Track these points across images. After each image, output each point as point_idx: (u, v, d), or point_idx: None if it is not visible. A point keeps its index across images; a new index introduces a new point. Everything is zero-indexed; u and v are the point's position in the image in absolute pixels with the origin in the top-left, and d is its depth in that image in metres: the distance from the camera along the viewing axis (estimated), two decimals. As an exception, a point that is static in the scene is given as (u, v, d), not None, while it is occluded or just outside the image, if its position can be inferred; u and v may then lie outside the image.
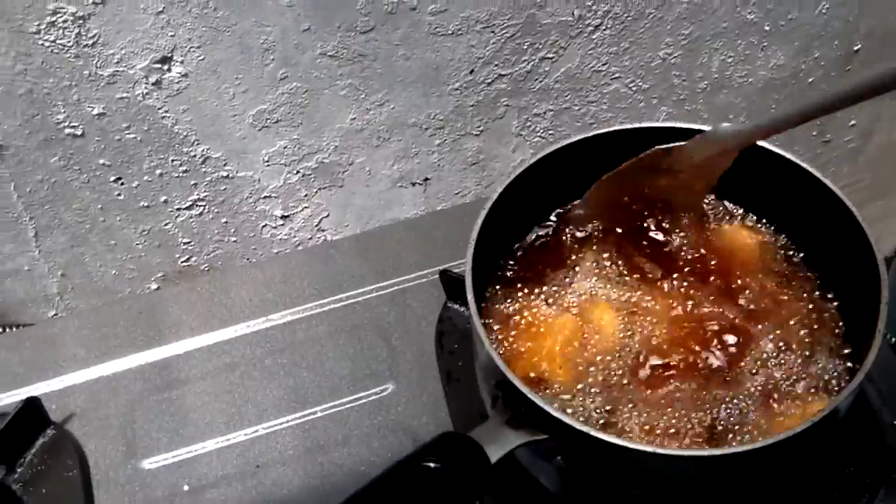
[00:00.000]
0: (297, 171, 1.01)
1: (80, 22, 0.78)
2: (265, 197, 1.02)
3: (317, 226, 1.10)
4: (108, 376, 0.68)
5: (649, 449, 0.41)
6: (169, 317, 0.71)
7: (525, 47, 0.98)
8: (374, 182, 1.07)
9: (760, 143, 0.57)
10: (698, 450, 0.41)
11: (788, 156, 0.56)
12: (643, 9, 0.99)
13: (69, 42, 0.79)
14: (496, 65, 0.99)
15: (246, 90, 0.90)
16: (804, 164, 0.55)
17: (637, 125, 0.60)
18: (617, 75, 1.07)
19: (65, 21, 0.78)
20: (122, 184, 0.94)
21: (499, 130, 1.07)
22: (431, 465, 0.41)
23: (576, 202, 0.61)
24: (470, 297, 0.50)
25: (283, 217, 1.06)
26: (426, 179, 1.11)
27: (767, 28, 1.06)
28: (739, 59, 1.09)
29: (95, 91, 0.84)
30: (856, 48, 1.13)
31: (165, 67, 0.85)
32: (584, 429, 0.42)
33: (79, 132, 0.87)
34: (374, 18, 0.89)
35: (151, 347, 0.69)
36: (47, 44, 0.79)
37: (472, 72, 0.99)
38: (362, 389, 0.65)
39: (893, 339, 0.72)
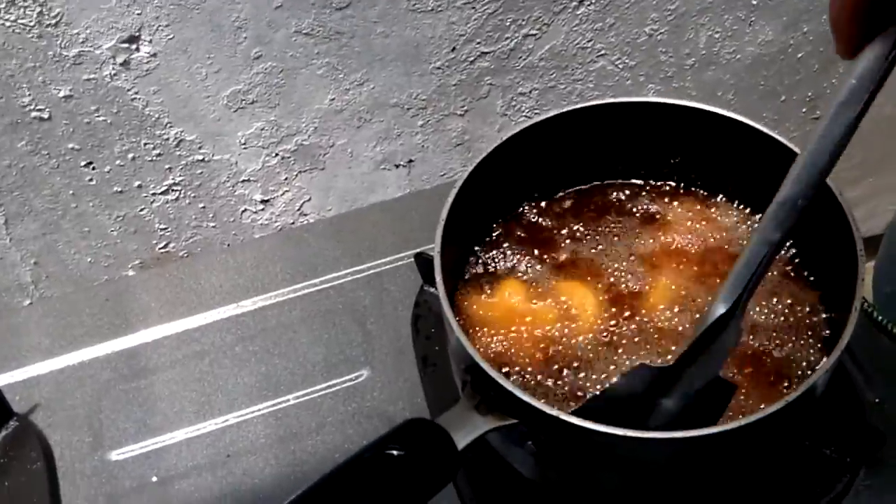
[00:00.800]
0: (276, 154, 0.99)
1: (42, 0, 0.75)
2: (243, 181, 1.00)
3: (298, 209, 1.07)
4: (74, 366, 0.66)
5: (619, 432, 0.39)
6: (137, 304, 0.69)
7: (508, 24, 0.96)
8: (356, 164, 1.05)
9: (738, 118, 0.55)
10: (670, 432, 0.39)
11: (765, 130, 0.54)
12: (628, -17, 0.97)
13: (31, 21, 0.76)
14: (478, 42, 0.97)
15: (219, 70, 0.87)
16: (781, 139, 0.52)
17: (615, 100, 0.58)
18: (603, 52, 1.05)
19: (25, 0, 0.75)
20: (93, 168, 0.91)
21: (483, 110, 1.05)
22: (395, 452, 0.39)
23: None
24: (438, 278, 0.48)
25: (263, 201, 1.04)
26: (410, 161, 1.09)
27: (755, 2, 1.04)
28: (727, 35, 1.07)
29: (61, 72, 0.81)
30: (846, 22, 1.11)
31: (133, 47, 0.82)
32: (554, 412, 0.41)
33: (45, 115, 0.85)
34: (350, -6, 0.86)
35: (119, 336, 0.67)
36: (8, 24, 0.76)
37: (453, 49, 0.96)
38: (336, 376, 0.64)
39: (892, 327, 0.70)
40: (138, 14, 0.79)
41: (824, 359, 0.42)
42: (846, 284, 0.46)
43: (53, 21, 0.77)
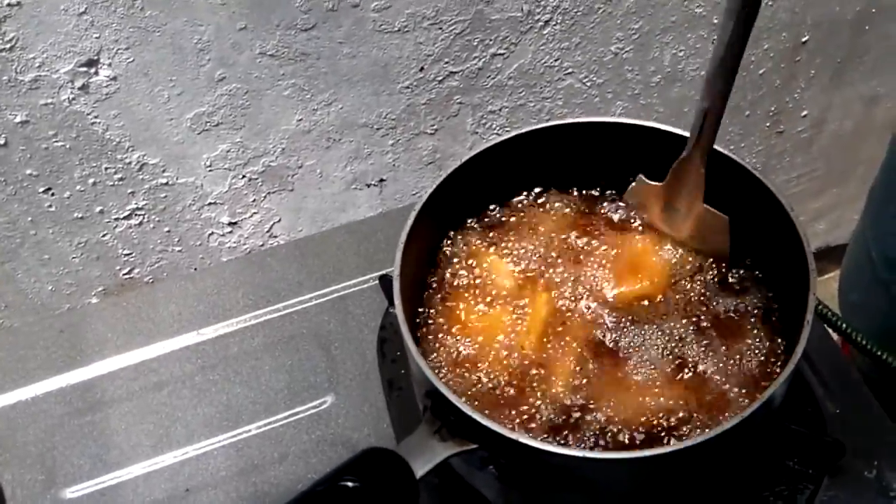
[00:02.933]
0: (243, 176, 0.97)
1: (-5, 24, 0.74)
2: (210, 203, 0.98)
3: (268, 231, 1.06)
4: (26, 401, 0.63)
5: (577, 453, 0.38)
6: (93, 335, 0.67)
7: (475, 44, 0.96)
8: (326, 184, 1.04)
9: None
10: (629, 452, 0.39)
11: (720, 150, 0.54)
12: (592, 4, 0.98)
13: (-16, 45, 0.75)
14: (446, 62, 0.96)
15: (181, 92, 0.86)
16: (733, 157, 0.52)
17: (574, 120, 0.59)
18: (570, 70, 1.05)
19: (-23, 24, 0.73)
20: (52, 195, 0.89)
21: (454, 129, 1.05)
22: (350, 484, 0.38)
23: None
24: (397, 301, 0.47)
25: (230, 224, 1.02)
26: (381, 180, 1.08)
27: (716, 21, 1.05)
28: (690, 53, 1.08)
29: (17, 97, 0.79)
30: (804, 39, 1.13)
31: (92, 71, 0.80)
32: (513, 436, 0.40)
33: (1, 141, 0.82)
34: (315, 16, 0.85)
35: (73, 368, 0.65)
36: (-41, 48, 0.74)
37: (422, 69, 0.96)
38: (300, 403, 0.62)
39: (856, 335, 0.70)
40: (97, 37, 0.78)
41: (780, 372, 0.42)
42: (800, 299, 0.45)
43: (8, 46, 0.75)
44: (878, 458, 0.55)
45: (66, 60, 0.78)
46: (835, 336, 0.75)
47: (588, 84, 1.07)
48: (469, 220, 0.61)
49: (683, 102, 1.15)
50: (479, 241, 0.59)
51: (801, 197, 1.42)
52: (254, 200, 1.01)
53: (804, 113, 1.25)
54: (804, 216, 1.47)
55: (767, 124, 1.26)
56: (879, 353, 0.68)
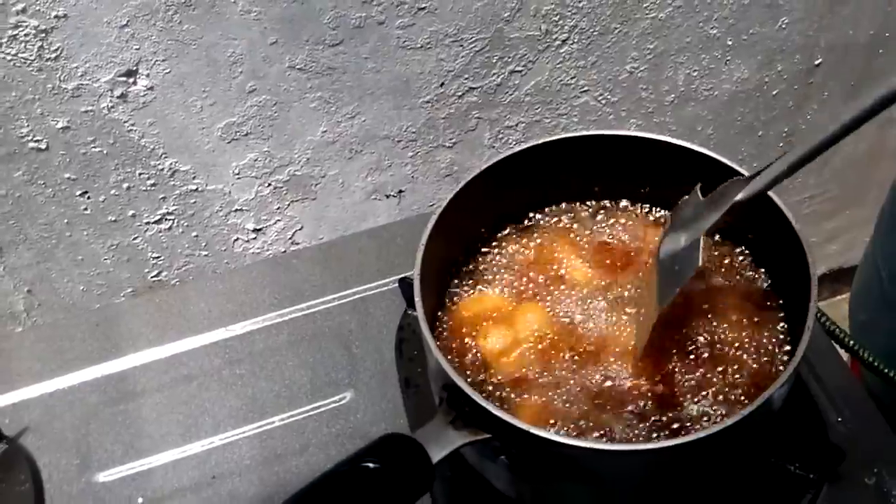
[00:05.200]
0: (269, 184, 1.01)
1: (43, 35, 0.78)
2: (236, 210, 1.02)
3: (290, 238, 1.09)
4: (64, 390, 0.67)
5: (585, 444, 0.41)
6: (127, 329, 0.70)
7: (494, 61, 0.99)
8: (347, 194, 1.07)
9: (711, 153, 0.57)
10: (634, 444, 0.41)
11: (718, 157, 0.56)
12: (608, 24, 1.01)
13: (31, 56, 0.79)
14: (466, 78, 1.00)
15: (214, 103, 0.90)
16: (727, 161, 0.55)
17: (590, 133, 0.61)
18: (586, 88, 1.08)
19: (27, 35, 0.78)
20: (88, 198, 0.93)
21: (472, 142, 1.08)
22: (371, 465, 0.41)
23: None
24: (417, 298, 0.50)
25: (255, 230, 1.06)
26: (400, 191, 1.11)
27: (730, 43, 1.08)
28: (704, 73, 1.11)
29: (59, 104, 0.84)
30: (817, 62, 1.15)
31: (131, 80, 0.85)
32: (524, 426, 0.42)
33: (43, 146, 0.87)
34: (342, 32, 0.89)
35: (108, 360, 0.69)
36: (9, 57, 0.79)
37: (442, 85, 0.99)
38: (321, 398, 0.65)
39: (863, 352, 0.72)
40: (136, 49, 0.82)
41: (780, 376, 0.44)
42: (803, 307, 0.48)
43: (53, 55, 0.80)
44: (879, 466, 0.56)
45: (106, 70, 0.83)
46: (845, 355, 0.77)
47: (603, 102, 1.10)
48: (487, 230, 0.64)
49: (696, 121, 1.17)
50: (499, 249, 0.63)
51: (813, 218, 1.43)
52: (278, 208, 1.04)
53: (817, 134, 1.27)
54: (817, 237, 1.48)
55: (780, 145, 1.28)
56: (888, 371, 0.70)
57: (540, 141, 0.59)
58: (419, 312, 0.49)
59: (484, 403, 0.44)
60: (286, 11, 0.85)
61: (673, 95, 1.13)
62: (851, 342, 0.71)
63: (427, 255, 0.53)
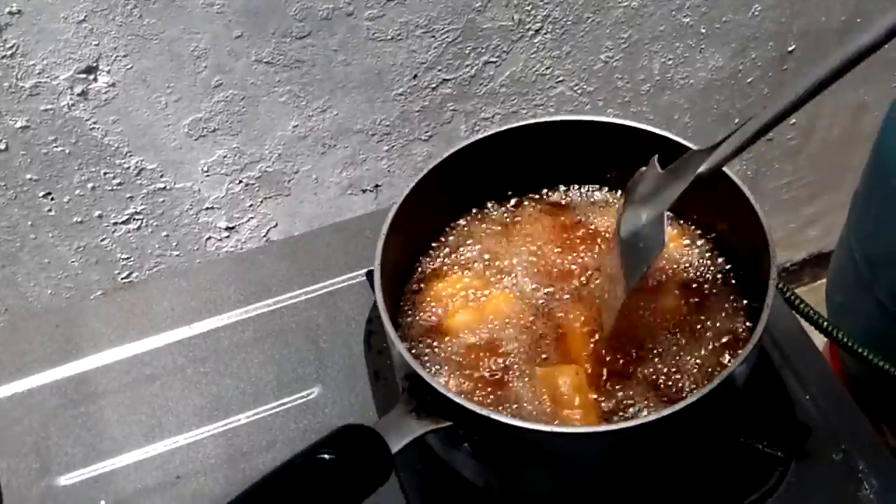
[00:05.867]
0: (240, 181, 1.00)
1: (-3, 31, 0.76)
2: (207, 208, 1.00)
3: (265, 236, 1.08)
4: (22, 393, 0.65)
5: (545, 428, 0.40)
6: (88, 330, 0.69)
7: (467, 52, 0.98)
8: (322, 190, 1.06)
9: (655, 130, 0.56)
10: (594, 426, 0.40)
11: (677, 139, 0.56)
12: (581, 13, 1.00)
13: (-14, 52, 0.77)
14: (439, 69, 0.99)
15: (179, 99, 0.88)
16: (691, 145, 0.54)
17: (550, 119, 0.61)
18: (561, 78, 1.07)
19: (-20, 31, 0.76)
20: (52, 199, 0.91)
21: (447, 135, 1.07)
22: (326, 456, 0.39)
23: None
24: (378, 289, 0.49)
25: (228, 228, 1.04)
26: (377, 186, 1.10)
27: (703, 31, 1.08)
28: (679, 62, 1.10)
29: (17, 103, 0.82)
30: (790, 48, 1.15)
31: (91, 77, 0.83)
32: (484, 412, 0.41)
33: (2, 146, 0.85)
34: (310, 24, 0.88)
35: (68, 361, 0.67)
36: (-38, 54, 0.77)
37: (415, 77, 0.98)
38: (288, 394, 0.64)
39: (836, 331, 0.71)
40: (96, 45, 0.80)
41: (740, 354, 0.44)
42: (764, 285, 0.47)
43: (9, 52, 0.78)
44: (845, 442, 0.56)
45: (65, 67, 0.81)
46: (823, 339, 0.76)
47: (579, 92, 1.10)
48: (452, 217, 0.63)
49: (673, 110, 1.17)
50: (462, 237, 0.62)
51: (792, 204, 1.43)
52: (251, 205, 1.03)
53: (793, 121, 1.27)
54: (796, 223, 1.48)
55: (757, 132, 1.27)
56: (864, 352, 0.70)
57: (501, 128, 0.59)
58: (380, 303, 0.48)
59: (443, 391, 0.43)
60: (250, 3, 0.83)
61: (649, 84, 1.12)
62: (826, 324, 0.70)
63: (388, 245, 0.52)
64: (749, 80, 1.17)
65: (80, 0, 0.76)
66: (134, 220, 0.97)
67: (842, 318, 0.97)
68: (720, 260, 0.58)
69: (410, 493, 0.55)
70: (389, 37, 0.93)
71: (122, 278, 1.02)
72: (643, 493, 0.50)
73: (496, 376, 0.52)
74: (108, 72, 0.83)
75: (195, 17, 0.82)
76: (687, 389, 0.49)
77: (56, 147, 0.87)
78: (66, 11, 0.77)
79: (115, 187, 0.93)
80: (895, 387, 0.71)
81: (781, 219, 1.45)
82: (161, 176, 0.94)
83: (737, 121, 1.23)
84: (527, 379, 0.51)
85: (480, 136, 0.59)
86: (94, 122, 0.86)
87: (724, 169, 0.53)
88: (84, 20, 0.78)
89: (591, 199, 0.63)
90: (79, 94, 0.83)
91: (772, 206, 1.42)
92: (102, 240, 0.98)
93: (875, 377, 0.76)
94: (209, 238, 1.04)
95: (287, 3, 0.84)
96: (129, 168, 0.92)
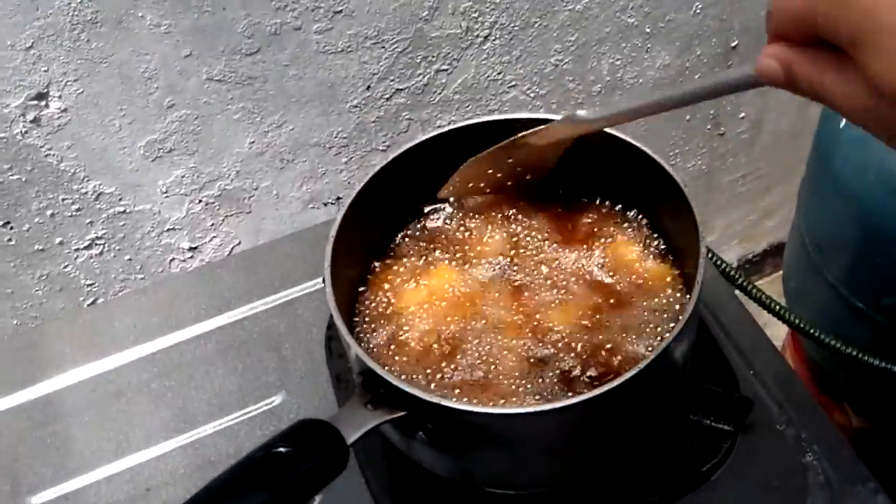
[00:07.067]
0: (200, 200, 1.00)
1: (-55, 62, 0.77)
2: (169, 229, 1.01)
3: (229, 254, 1.08)
4: (-11, 418, 0.65)
5: (492, 410, 0.41)
6: (50, 351, 0.69)
7: (418, 61, 1.00)
8: (283, 205, 1.07)
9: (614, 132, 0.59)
10: (541, 405, 0.42)
11: (629, 140, 0.58)
12: (528, 18, 1.02)
13: (-67, 83, 0.78)
14: (392, 80, 1.00)
15: (132, 121, 0.89)
16: (646, 149, 0.56)
17: (487, 118, 0.62)
18: (513, 83, 1.09)
19: (-74, 62, 0.76)
20: (11, 228, 0.91)
21: (405, 144, 1.08)
22: (283, 450, 0.41)
23: (444, 188, 0.63)
24: (328, 289, 0.50)
25: (190, 249, 1.05)
26: (338, 198, 1.11)
27: (648, 30, 1.11)
28: (627, 62, 1.13)
29: (-31, 133, 0.82)
30: (733, 44, 1.18)
31: (42, 104, 0.83)
32: (434, 399, 0.43)
33: (-44, 176, 0.85)
34: (258, 40, 0.89)
35: (33, 384, 0.67)
36: (-90, 86, 0.77)
37: (368, 88, 1.00)
38: (252, 402, 0.65)
39: (788, 314, 0.74)
40: (45, 71, 0.81)
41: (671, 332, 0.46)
42: (695, 265, 0.49)
43: (-42, 82, 0.79)
44: (789, 413, 0.59)
45: (15, 95, 0.81)
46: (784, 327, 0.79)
47: (532, 95, 1.12)
48: (405, 217, 0.65)
49: (625, 108, 1.20)
50: (410, 238, 0.64)
51: (748, 196, 1.47)
52: (212, 224, 1.03)
53: (742, 115, 1.31)
54: (753, 215, 1.52)
55: (708, 127, 1.31)
56: (820, 335, 0.73)
57: (443, 130, 0.61)
58: (330, 303, 0.50)
59: (395, 381, 0.44)
60: (198, 22, 0.84)
61: (599, 85, 1.15)
62: (780, 308, 0.73)
63: (339, 249, 0.54)
64: (697, 77, 1.20)
65: (27, 26, 0.77)
66: (95, 244, 0.97)
67: (798, 303, 1.00)
68: (657, 241, 0.60)
69: (376, 489, 0.56)
70: (340, 49, 0.94)
71: (87, 304, 1.02)
72: (599, 469, 0.52)
73: (453, 361, 0.53)
74: (60, 97, 0.84)
75: (143, 39, 0.83)
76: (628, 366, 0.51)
77: (12, 175, 0.87)
78: (13, 39, 0.78)
79: (74, 213, 0.93)
80: (853, 367, 0.74)
81: (739, 211, 1.49)
82: (120, 199, 0.95)
83: (688, 118, 1.27)
84: (480, 354, 0.53)
85: (422, 138, 0.61)
86: (49, 149, 0.87)
87: (647, 150, 0.56)
88: (32, 46, 0.79)
89: (534, 195, 0.65)
90: (31, 121, 0.84)
91: (729, 199, 1.45)
92: (65, 266, 0.98)
93: (833, 359, 0.78)
94: (173, 259, 1.04)
95: (234, 20, 0.86)
96: (87, 193, 0.92)
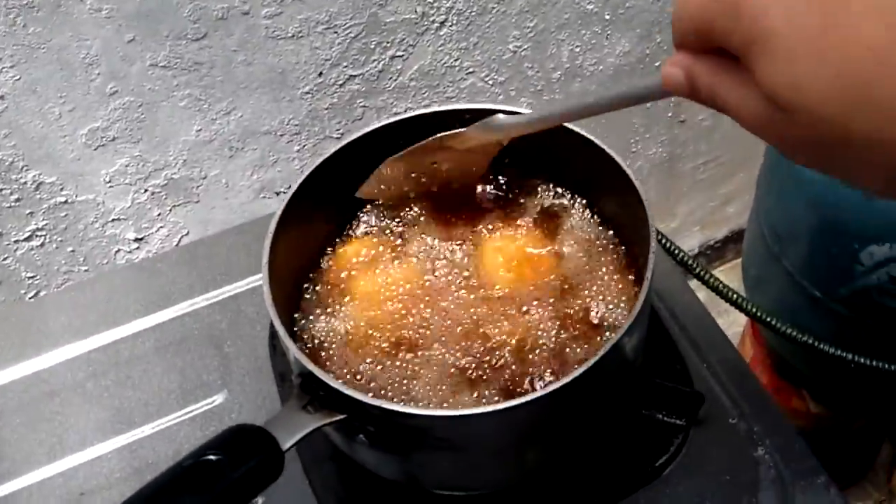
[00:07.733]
0: (145, 190, 0.97)
1: None
2: (113, 220, 0.97)
3: (177, 245, 1.05)
4: (-87, 423, 0.62)
5: (434, 413, 0.40)
6: (-21, 351, 0.66)
7: (372, 46, 0.98)
8: (233, 194, 1.04)
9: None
10: (486, 407, 0.41)
11: (581, 131, 0.56)
12: (485, 4, 1.00)
13: None
14: (345, 66, 0.98)
15: (73, 108, 0.85)
16: (597, 141, 0.55)
17: (426, 111, 0.61)
18: (471, 70, 1.08)
19: None
20: (-56, 219, 0.88)
21: (360, 132, 1.06)
22: (213, 458, 0.39)
23: (364, 185, 0.60)
24: (266, 287, 0.48)
25: (136, 240, 1.01)
26: (290, 188, 1.08)
27: (608, 17, 1.10)
28: (587, 48, 1.12)
29: None
30: (693, 30, 1.18)
31: (-26, 90, 0.79)
32: (374, 402, 0.41)
33: None
34: (205, 25, 0.86)
35: (-38, 383, 0.64)
36: None
37: (320, 74, 0.97)
38: (193, 402, 0.62)
39: (747, 304, 0.73)
40: (-25, 56, 0.77)
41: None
42: (645, 257, 0.48)
43: None
44: (742, 406, 0.59)
45: (-56, 80, 0.77)
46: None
47: (490, 82, 1.10)
48: (347, 210, 0.63)
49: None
50: (357, 230, 0.62)
51: (709, 183, 1.47)
52: (159, 214, 1.00)
53: (702, 102, 1.31)
54: (714, 201, 1.52)
55: (669, 114, 1.31)
56: (776, 323, 0.72)
57: (389, 120, 0.59)
58: (267, 301, 0.48)
59: (334, 384, 0.43)
60: (141, 7, 0.81)
61: (559, 72, 1.14)
62: (736, 297, 0.72)
63: (279, 244, 0.52)
64: (657, 64, 1.19)
65: (-46, 9, 0.73)
66: (36, 236, 0.94)
67: (758, 291, 1.00)
68: (611, 232, 0.59)
69: (321, 491, 0.55)
70: (290, 34, 0.91)
71: (29, 297, 0.99)
72: (550, 468, 0.51)
73: (398, 359, 0.52)
74: (-8, 83, 0.80)
75: (83, 23, 0.80)
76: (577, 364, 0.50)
77: (-58, 164, 0.83)
78: (-61, 22, 0.74)
79: (13, 203, 0.89)
80: (810, 356, 0.74)
81: (700, 198, 1.49)
82: (61, 189, 0.91)
83: (648, 106, 1.26)
84: (425, 351, 0.51)
85: (376, 125, 0.59)
86: (-18, 137, 0.83)
87: (597, 142, 0.55)
88: (-41, 30, 0.75)
89: (492, 183, 0.64)
90: (-38, 108, 0.80)
91: (690, 186, 1.45)
92: (4, 258, 0.94)
93: (792, 347, 0.78)
94: (118, 251, 1.01)
95: (179, 4, 0.82)
96: (26, 183, 0.88)
